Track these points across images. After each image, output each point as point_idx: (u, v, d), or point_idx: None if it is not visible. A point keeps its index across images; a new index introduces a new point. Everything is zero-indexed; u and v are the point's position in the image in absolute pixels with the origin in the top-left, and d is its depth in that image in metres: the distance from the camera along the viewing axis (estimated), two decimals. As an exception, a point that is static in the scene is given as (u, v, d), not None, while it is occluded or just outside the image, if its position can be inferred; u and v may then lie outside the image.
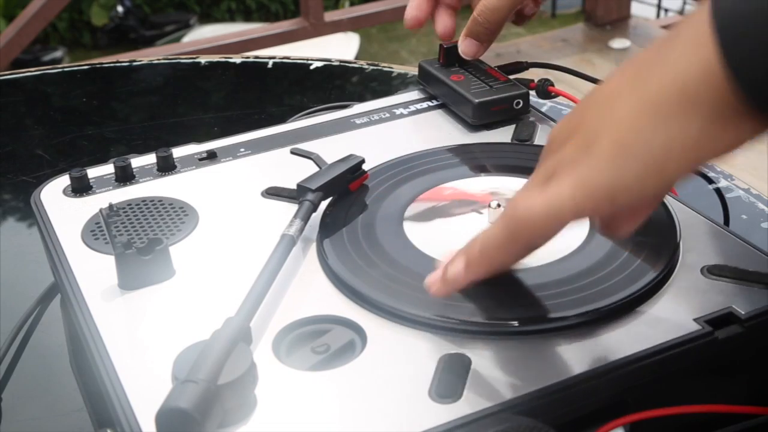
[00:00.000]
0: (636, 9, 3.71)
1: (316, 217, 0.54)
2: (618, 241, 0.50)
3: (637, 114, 0.37)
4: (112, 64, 1.05)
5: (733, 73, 0.34)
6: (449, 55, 0.69)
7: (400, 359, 0.43)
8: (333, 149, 0.62)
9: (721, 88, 0.35)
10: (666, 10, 4.07)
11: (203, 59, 1.04)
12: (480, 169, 0.59)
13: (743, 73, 0.34)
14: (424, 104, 0.69)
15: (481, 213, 0.54)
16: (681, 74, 0.36)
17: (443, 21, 0.69)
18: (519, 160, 0.60)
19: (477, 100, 0.64)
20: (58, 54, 4.26)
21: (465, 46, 0.67)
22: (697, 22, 0.36)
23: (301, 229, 0.52)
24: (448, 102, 0.68)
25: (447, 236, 0.52)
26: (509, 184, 0.57)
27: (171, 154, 0.62)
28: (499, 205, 0.53)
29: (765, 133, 0.36)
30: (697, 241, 0.51)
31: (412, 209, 0.55)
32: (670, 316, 0.45)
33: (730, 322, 0.44)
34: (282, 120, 0.70)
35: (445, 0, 0.70)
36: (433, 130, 0.66)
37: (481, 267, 0.44)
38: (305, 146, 0.64)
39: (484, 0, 0.65)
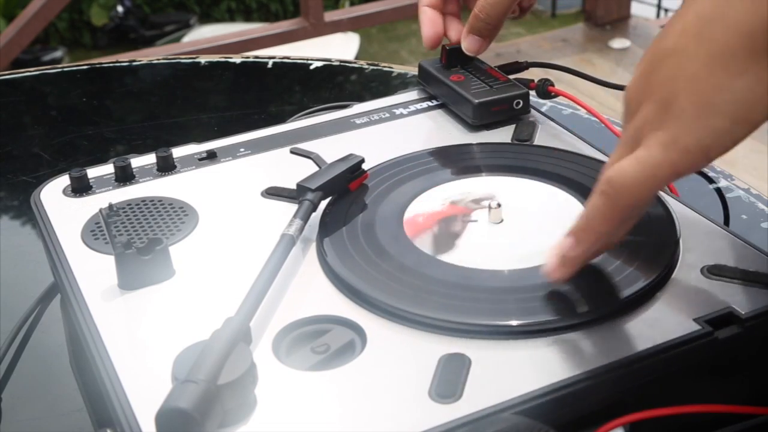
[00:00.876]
0: (636, 9, 3.71)
1: (316, 216, 0.54)
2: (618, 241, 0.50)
3: (710, 69, 0.38)
4: (111, 64, 1.05)
5: None
6: (451, 57, 0.69)
7: (400, 359, 0.43)
8: (333, 149, 0.62)
9: None
10: (666, 10, 4.07)
11: (203, 59, 1.04)
12: (480, 169, 0.59)
13: None
14: (424, 104, 0.69)
15: (475, 221, 0.53)
16: (746, 28, 0.37)
17: (455, 29, 0.70)
18: (519, 160, 0.60)
19: (477, 100, 0.64)
20: (58, 54, 4.26)
21: (468, 43, 0.68)
22: None
23: (301, 229, 0.52)
24: (448, 102, 0.68)
25: (447, 235, 0.52)
26: (502, 185, 0.57)
27: (171, 154, 0.62)
28: (499, 205, 0.53)
29: None
30: (697, 241, 0.51)
31: (421, 241, 0.53)
32: (670, 316, 0.45)
33: (730, 322, 0.44)
34: (282, 120, 0.70)
35: (450, 10, 0.70)
36: (433, 130, 0.66)
37: (589, 239, 0.44)
38: (305, 146, 0.64)
39: None
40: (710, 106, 0.38)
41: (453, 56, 0.69)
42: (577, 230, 0.45)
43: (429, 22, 0.69)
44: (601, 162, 0.59)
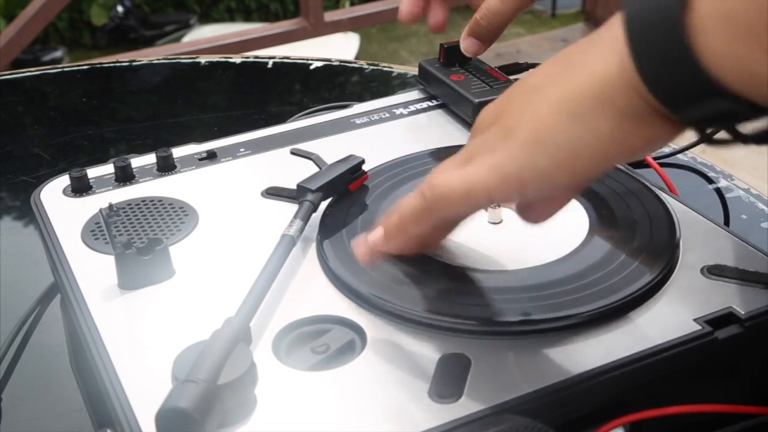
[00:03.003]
0: (636, 9, 3.71)
1: (316, 217, 0.54)
2: (618, 241, 0.50)
3: (552, 110, 0.39)
4: (111, 64, 1.05)
5: (646, 77, 0.35)
6: (450, 55, 0.69)
7: (400, 359, 0.43)
8: (333, 149, 0.62)
9: (635, 90, 0.36)
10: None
11: (203, 59, 1.04)
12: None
13: (655, 78, 0.35)
14: (424, 104, 0.69)
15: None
16: (598, 75, 0.37)
17: (435, 14, 0.69)
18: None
19: (477, 100, 0.64)
20: (58, 54, 4.26)
21: (467, 45, 0.67)
22: (615, 27, 0.37)
23: (301, 230, 0.52)
24: (448, 102, 0.68)
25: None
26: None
27: (171, 154, 0.62)
28: (498, 205, 0.53)
29: (676, 135, 0.38)
30: (697, 241, 0.51)
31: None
32: (670, 316, 0.45)
33: (730, 322, 0.44)
34: (282, 120, 0.70)
35: None
36: (433, 130, 0.66)
37: (397, 237, 0.46)
38: (305, 146, 0.64)
39: (488, 3, 0.64)
40: (539, 143, 0.39)
41: (451, 54, 0.69)
42: (389, 226, 0.46)
43: (408, 1, 0.68)
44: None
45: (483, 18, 0.65)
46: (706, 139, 0.38)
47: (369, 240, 0.47)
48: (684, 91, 0.34)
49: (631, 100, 0.36)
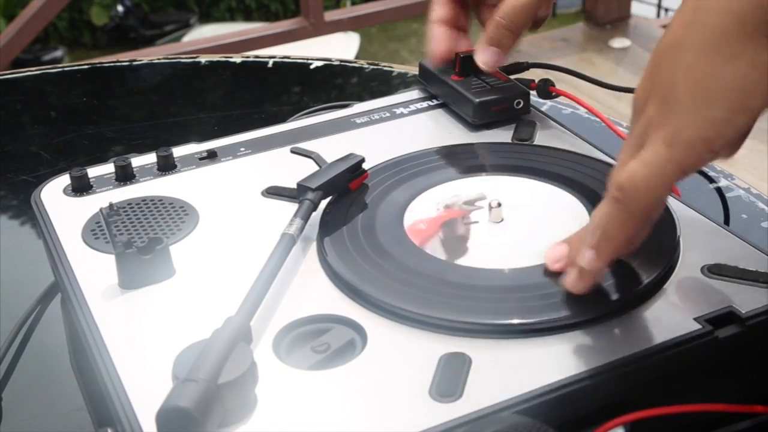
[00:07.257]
0: (636, 8, 3.71)
1: (316, 216, 0.54)
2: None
3: (705, 57, 0.37)
4: (111, 64, 1.05)
5: None
6: (465, 65, 0.66)
7: (400, 359, 0.43)
8: (333, 149, 0.62)
9: None
10: (666, 10, 4.07)
11: (203, 59, 1.04)
12: (480, 168, 0.59)
13: None
14: (425, 104, 0.69)
15: (476, 222, 0.53)
16: (735, 8, 0.36)
17: (464, 46, 0.67)
18: (519, 159, 0.60)
19: (477, 100, 0.64)
20: (58, 53, 4.26)
21: (486, 57, 0.64)
22: None
23: (301, 228, 0.52)
24: (448, 101, 0.68)
25: (447, 236, 0.52)
26: (502, 185, 0.57)
27: (171, 154, 0.62)
28: (499, 204, 0.53)
29: None
30: (697, 241, 0.51)
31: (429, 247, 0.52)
32: (670, 316, 0.45)
33: (731, 321, 0.44)
34: (282, 120, 0.70)
35: (460, 26, 0.67)
36: (433, 129, 0.66)
37: (610, 249, 0.44)
38: (305, 146, 0.64)
39: (507, 1, 0.61)
40: (707, 95, 0.38)
41: (467, 65, 0.66)
42: (598, 242, 0.43)
43: (441, 39, 0.67)
44: (601, 161, 0.59)
45: (504, 17, 0.61)
46: None
47: (582, 265, 0.44)
48: None
49: None
